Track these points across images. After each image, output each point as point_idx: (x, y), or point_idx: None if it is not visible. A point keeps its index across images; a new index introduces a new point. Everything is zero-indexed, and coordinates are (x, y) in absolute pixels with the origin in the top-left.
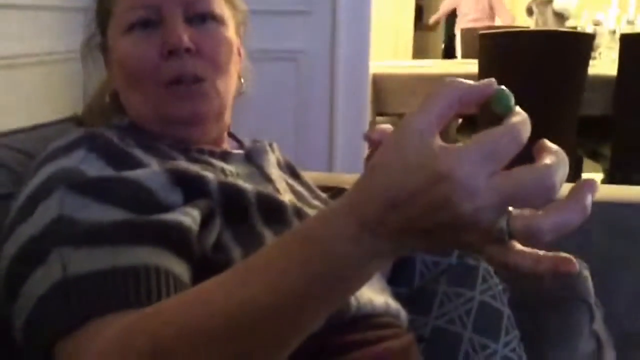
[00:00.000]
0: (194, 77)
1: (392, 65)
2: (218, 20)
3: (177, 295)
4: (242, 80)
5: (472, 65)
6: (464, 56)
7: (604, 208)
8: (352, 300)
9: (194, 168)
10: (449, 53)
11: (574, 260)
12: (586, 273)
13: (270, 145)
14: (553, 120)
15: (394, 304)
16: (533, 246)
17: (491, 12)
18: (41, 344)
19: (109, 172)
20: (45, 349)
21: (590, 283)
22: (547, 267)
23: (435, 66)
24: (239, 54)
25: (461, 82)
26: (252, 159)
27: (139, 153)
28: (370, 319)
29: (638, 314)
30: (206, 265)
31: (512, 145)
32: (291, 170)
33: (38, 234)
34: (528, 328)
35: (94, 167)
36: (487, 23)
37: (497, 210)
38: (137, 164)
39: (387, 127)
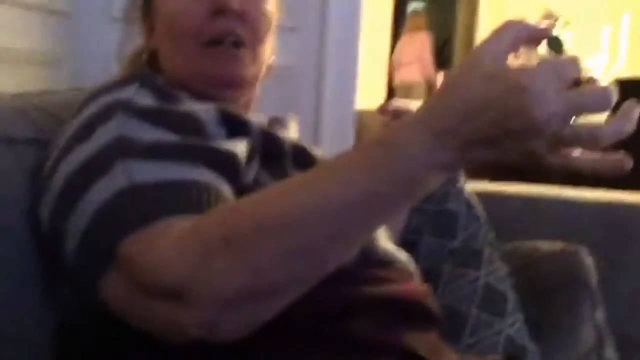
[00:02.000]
0: (235, 39)
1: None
2: None
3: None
4: (273, 57)
5: None
6: None
7: (603, 210)
8: (378, 242)
9: (237, 111)
10: (442, 59)
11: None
12: (588, 260)
13: (289, 117)
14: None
15: (414, 264)
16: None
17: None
18: (105, 247)
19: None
20: (107, 252)
21: (592, 270)
22: (608, 165)
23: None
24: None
25: (525, 22)
26: (274, 127)
27: (183, 98)
28: (395, 264)
29: (637, 315)
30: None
31: (574, 69)
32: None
33: (100, 149)
34: (532, 313)
35: (147, 101)
36: (420, 68)
37: (565, 118)
38: (184, 104)
39: (403, 101)
